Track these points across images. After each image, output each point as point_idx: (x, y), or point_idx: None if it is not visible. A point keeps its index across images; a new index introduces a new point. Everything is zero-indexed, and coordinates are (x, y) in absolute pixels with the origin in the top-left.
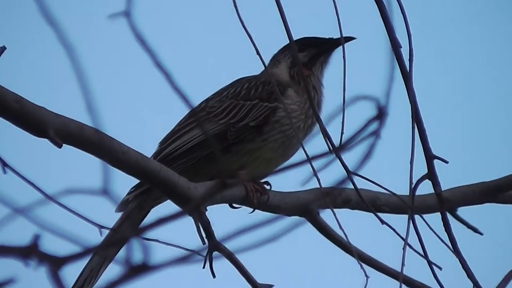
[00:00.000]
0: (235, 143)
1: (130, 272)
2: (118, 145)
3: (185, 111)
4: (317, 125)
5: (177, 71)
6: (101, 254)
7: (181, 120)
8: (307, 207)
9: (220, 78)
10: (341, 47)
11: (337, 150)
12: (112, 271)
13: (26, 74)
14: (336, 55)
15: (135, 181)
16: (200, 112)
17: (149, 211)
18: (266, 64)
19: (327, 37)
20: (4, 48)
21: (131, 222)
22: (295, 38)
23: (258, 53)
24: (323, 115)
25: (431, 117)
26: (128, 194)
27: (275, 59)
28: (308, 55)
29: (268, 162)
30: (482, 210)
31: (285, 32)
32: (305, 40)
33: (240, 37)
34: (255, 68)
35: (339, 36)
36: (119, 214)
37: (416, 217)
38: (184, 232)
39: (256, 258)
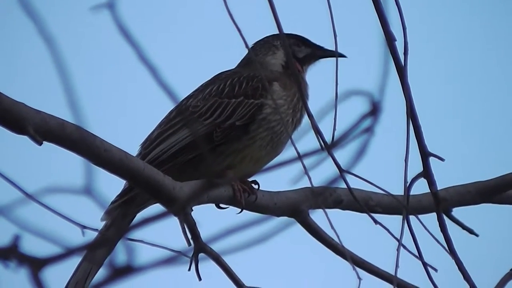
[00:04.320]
0: (221, 144)
1: (114, 274)
2: (100, 142)
3: (167, 108)
4: (308, 122)
5: (163, 66)
6: (86, 261)
7: (163, 120)
8: (297, 207)
9: (208, 73)
10: (329, 58)
11: (329, 148)
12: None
13: (3, 68)
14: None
15: (118, 180)
16: (183, 112)
17: (134, 217)
18: (251, 49)
19: (318, 43)
20: None
21: (116, 229)
22: (285, 32)
23: (247, 46)
24: (314, 111)
25: (426, 113)
26: (112, 203)
27: (271, 45)
28: (303, 53)
29: (256, 161)
30: (477, 210)
31: (276, 25)
32: (302, 39)
33: (228, 31)
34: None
35: (331, 46)
36: (103, 221)
37: (411, 217)
38: (170, 233)
39: (244, 260)
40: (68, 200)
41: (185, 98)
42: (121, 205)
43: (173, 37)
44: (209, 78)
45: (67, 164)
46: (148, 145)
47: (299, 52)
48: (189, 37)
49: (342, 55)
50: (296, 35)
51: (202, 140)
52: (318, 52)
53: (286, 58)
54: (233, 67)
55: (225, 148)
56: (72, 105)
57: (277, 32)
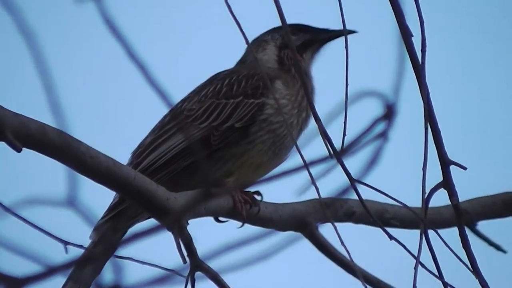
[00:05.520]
0: (218, 149)
1: None
2: (86, 149)
3: (162, 112)
4: (315, 125)
5: (156, 65)
6: (72, 281)
7: (156, 125)
8: (304, 220)
9: (203, 73)
10: (336, 40)
11: (338, 155)
12: None
13: None
14: (338, 44)
15: (106, 191)
16: (178, 116)
17: (125, 232)
18: (248, 48)
19: (322, 27)
20: None
21: (105, 245)
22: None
23: (247, 41)
24: (321, 113)
25: (446, 117)
26: (101, 219)
27: (261, 41)
28: (300, 40)
29: (257, 168)
30: (505, 224)
31: (276, 10)
32: (298, 25)
33: (225, 27)
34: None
35: (336, 27)
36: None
37: (430, 232)
38: (163, 250)
39: (245, 279)
40: (50, 213)
41: (180, 101)
42: (110, 219)
43: (167, 33)
44: (206, 79)
45: (48, 173)
46: (140, 153)
47: (295, 41)
48: (185, 34)
49: (351, 31)
50: (290, 24)
51: (198, 145)
52: (320, 35)
53: (282, 47)
54: (232, 67)
55: (222, 153)
56: (54, 107)
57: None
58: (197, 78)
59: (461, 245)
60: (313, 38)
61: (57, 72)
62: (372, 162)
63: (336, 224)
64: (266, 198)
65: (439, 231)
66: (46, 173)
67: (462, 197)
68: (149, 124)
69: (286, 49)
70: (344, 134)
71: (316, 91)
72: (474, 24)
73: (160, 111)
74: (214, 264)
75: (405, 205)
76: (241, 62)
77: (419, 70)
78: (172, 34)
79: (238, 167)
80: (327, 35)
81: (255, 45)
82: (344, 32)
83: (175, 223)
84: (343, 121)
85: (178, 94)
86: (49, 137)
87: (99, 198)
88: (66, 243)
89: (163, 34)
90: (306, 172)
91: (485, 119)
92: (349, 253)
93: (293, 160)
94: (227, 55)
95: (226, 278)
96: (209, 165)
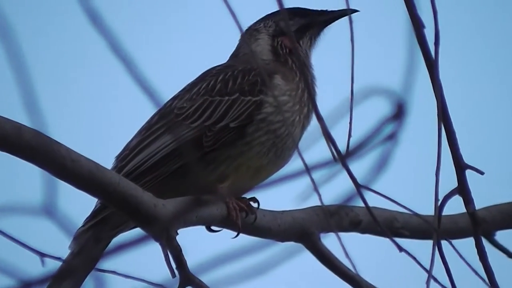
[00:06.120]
0: (211, 150)
1: None
2: (66, 151)
3: (151, 112)
4: (318, 126)
5: (144, 61)
6: None
7: (144, 126)
8: (305, 230)
9: (196, 69)
10: (337, 21)
11: (343, 158)
12: None
13: None
14: (342, 36)
15: (88, 197)
16: (167, 115)
17: (108, 242)
18: (241, 39)
19: (320, 9)
20: None
21: (85, 257)
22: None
23: (241, 30)
24: (324, 113)
25: (462, 117)
26: (81, 227)
27: (253, 30)
28: (296, 25)
29: (256, 172)
30: None
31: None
32: (294, 9)
33: (218, 18)
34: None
35: (336, 8)
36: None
37: (443, 242)
38: (150, 262)
39: None
40: (25, 222)
41: (171, 99)
42: (92, 227)
43: (158, 26)
44: (199, 75)
45: (24, 178)
46: (125, 156)
47: (292, 26)
48: (177, 27)
49: (354, 10)
50: (286, 8)
51: (189, 147)
52: (318, 18)
53: (275, 34)
54: (225, 62)
55: (216, 155)
56: (31, 107)
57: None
58: (189, 75)
59: (478, 257)
60: (310, 22)
61: (35, 68)
62: (381, 166)
63: (341, 234)
64: (264, 206)
65: (454, 241)
66: (22, 178)
67: (479, 204)
68: (136, 125)
69: (280, 36)
70: (350, 135)
71: (317, 83)
72: (493, 14)
73: (149, 110)
74: (206, 278)
75: (416, 213)
76: (234, 55)
77: (432, 65)
78: (162, 28)
79: (234, 171)
80: (327, 17)
81: (247, 35)
82: (347, 12)
83: (163, 233)
84: (349, 120)
85: (169, 93)
86: (26, 139)
87: (80, 205)
88: (42, 255)
89: (153, 29)
90: (308, 177)
91: (504, 119)
92: (354, 266)
93: (293, 164)
94: (220, 48)
95: None
96: (201, 168)
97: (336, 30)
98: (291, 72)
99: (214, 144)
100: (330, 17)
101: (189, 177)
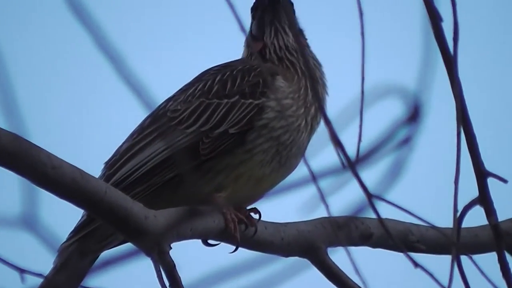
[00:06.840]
0: (208, 159)
1: None
2: (47, 157)
3: (143, 114)
4: (326, 130)
5: (132, 57)
6: None
7: (135, 129)
8: (311, 243)
9: (195, 71)
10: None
11: (353, 165)
12: None
13: None
14: (352, 30)
15: (72, 208)
16: (160, 119)
17: (97, 257)
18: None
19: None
20: None
21: (70, 273)
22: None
23: (242, 28)
24: (332, 115)
25: (483, 120)
26: (66, 241)
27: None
28: (256, 22)
29: (258, 182)
30: None
31: None
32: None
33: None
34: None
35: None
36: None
37: (463, 257)
38: (140, 278)
39: None
40: (2, 235)
41: (165, 101)
42: (77, 241)
43: (150, 20)
44: (196, 75)
45: (1, 186)
46: (114, 162)
47: (254, 26)
48: (177, 27)
49: None
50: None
51: (184, 155)
52: (263, 2)
53: (247, 52)
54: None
55: (214, 164)
56: (8, 108)
57: None
58: (187, 76)
59: (501, 273)
60: (262, 10)
61: (14, 67)
62: (394, 173)
63: (350, 248)
64: (266, 217)
65: (474, 256)
66: None
67: (502, 215)
68: (128, 128)
69: (253, 42)
70: (360, 140)
71: (325, 77)
72: None
73: (142, 113)
74: None
75: (433, 226)
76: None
77: (450, 63)
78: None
79: (233, 181)
80: None
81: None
82: None
83: (155, 247)
84: (359, 123)
85: (164, 94)
86: (2, 143)
87: (64, 216)
88: (22, 270)
89: (146, 28)
90: (314, 185)
91: None
92: (365, 284)
93: (298, 172)
94: (220, 49)
95: None
96: (197, 178)
97: (344, 23)
98: (288, 71)
99: (212, 152)
100: None
101: (184, 188)
